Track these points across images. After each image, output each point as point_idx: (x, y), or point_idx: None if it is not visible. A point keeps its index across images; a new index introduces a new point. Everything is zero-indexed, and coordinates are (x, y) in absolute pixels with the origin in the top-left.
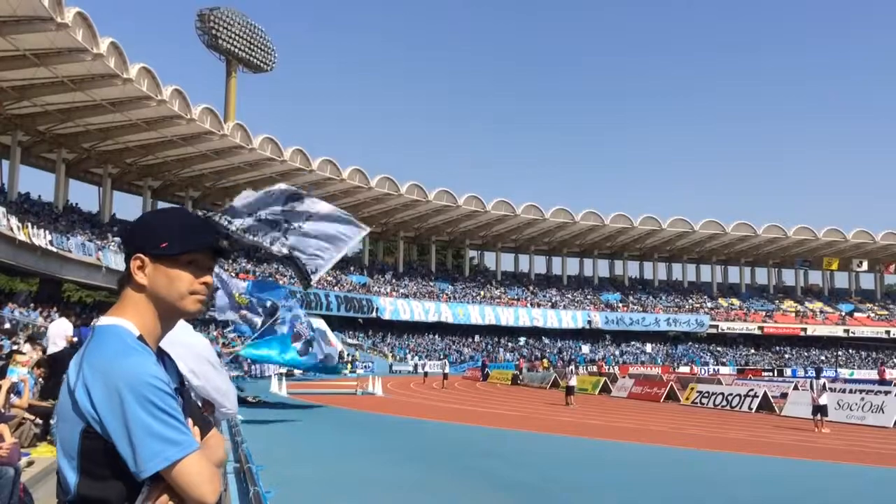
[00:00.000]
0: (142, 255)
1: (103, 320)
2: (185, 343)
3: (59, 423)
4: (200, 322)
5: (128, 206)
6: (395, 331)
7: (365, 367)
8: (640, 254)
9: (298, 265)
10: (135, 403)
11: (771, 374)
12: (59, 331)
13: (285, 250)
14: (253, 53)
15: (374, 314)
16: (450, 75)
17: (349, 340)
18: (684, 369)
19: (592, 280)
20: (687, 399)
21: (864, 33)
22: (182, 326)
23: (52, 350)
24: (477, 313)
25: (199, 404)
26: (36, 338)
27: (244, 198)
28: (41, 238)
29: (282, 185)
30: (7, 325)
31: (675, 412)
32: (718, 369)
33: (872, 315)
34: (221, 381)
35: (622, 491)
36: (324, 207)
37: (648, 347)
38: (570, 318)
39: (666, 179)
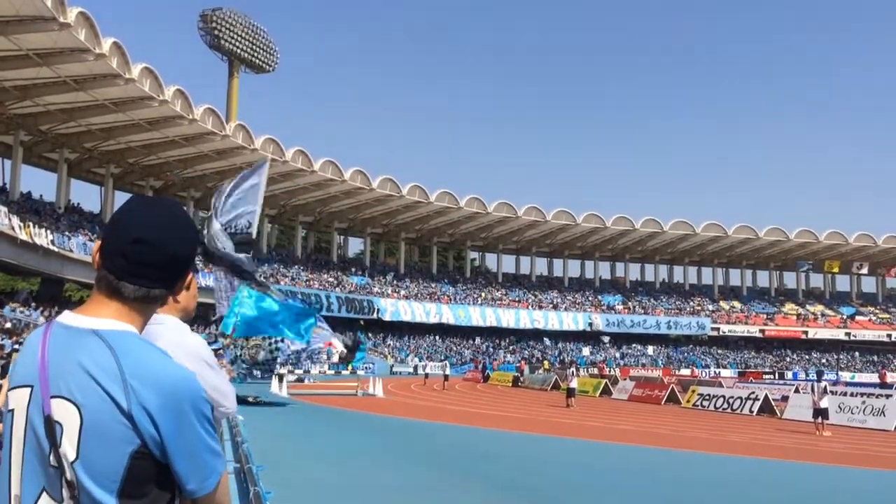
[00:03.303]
0: None
1: (108, 325)
2: (181, 343)
3: (91, 447)
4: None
5: None
6: (395, 332)
7: (366, 368)
8: (641, 256)
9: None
10: (195, 421)
11: (772, 376)
12: None
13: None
14: (255, 54)
15: (374, 315)
16: (452, 76)
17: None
18: (685, 372)
19: (594, 282)
20: (688, 402)
21: (868, 30)
22: (177, 326)
23: None
24: (478, 315)
25: None
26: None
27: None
28: (43, 238)
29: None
30: (8, 325)
31: (676, 415)
32: (719, 372)
33: (874, 318)
34: (219, 380)
35: (622, 493)
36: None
37: (649, 350)
38: (571, 320)
39: (668, 182)
